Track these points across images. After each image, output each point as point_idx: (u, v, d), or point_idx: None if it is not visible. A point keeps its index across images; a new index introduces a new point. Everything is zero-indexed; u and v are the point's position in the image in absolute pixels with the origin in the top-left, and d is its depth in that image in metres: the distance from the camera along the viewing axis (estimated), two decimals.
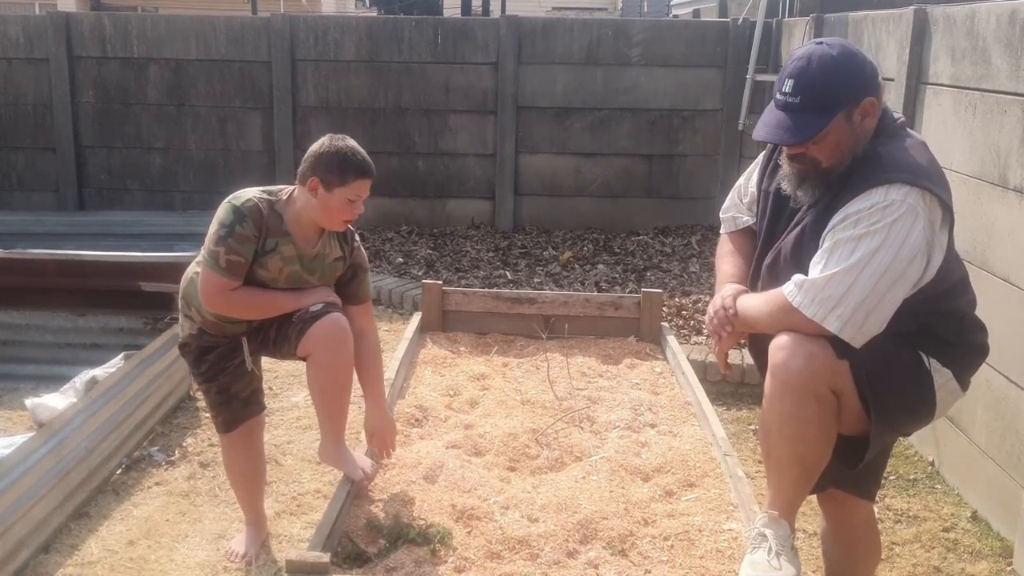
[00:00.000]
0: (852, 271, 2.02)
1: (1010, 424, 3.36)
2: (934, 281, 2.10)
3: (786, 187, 2.22)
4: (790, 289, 2.12)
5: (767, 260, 2.29)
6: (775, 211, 2.33)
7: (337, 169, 2.67)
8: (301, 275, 2.80)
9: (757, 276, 2.36)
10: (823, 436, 2.11)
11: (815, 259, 2.10)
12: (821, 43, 2.12)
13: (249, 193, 2.75)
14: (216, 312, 2.80)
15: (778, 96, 2.13)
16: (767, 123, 2.14)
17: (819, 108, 2.07)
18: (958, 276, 2.22)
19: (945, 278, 2.14)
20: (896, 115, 2.22)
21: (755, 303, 2.25)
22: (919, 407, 2.20)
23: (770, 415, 2.13)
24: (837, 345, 2.07)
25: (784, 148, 2.19)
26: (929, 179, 2.06)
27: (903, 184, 2.03)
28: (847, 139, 2.10)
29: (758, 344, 2.35)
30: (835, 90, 2.07)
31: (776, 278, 2.24)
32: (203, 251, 2.77)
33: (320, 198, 2.69)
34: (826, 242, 2.09)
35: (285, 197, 2.78)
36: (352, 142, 2.74)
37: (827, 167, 2.13)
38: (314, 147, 2.71)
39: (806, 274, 2.12)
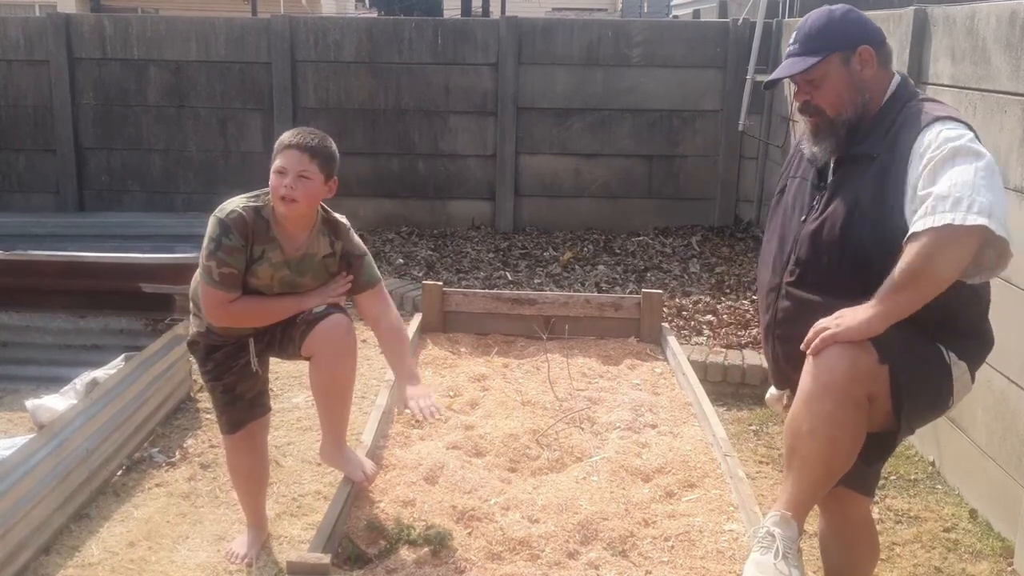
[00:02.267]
0: (965, 169, 2.01)
1: (1011, 424, 3.36)
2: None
3: (806, 150, 2.32)
4: (919, 224, 1.99)
5: (811, 227, 2.26)
6: (798, 195, 2.38)
7: (275, 147, 2.76)
8: (292, 279, 2.81)
9: (784, 255, 2.34)
10: (853, 441, 2.11)
11: (922, 184, 2.04)
12: (828, 6, 2.30)
13: (234, 204, 2.77)
14: (221, 325, 2.83)
15: (786, 50, 2.32)
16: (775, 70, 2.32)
17: (812, 50, 2.23)
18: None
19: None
20: (919, 91, 2.31)
21: (900, 272, 2.03)
22: (939, 402, 2.23)
23: (804, 415, 2.11)
24: (880, 350, 2.07)
25: (798, 116, 2.33)
26: (969, 126, 2.12)
27: (954, 122, 2.10)
28: (847, 86, 2.22)
29: (783, 350, 2.34)
30: (828, 34, 2.23)
31: (818, 245, 2.22)
32: (197, 272, 2.80)
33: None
34: (923, 174, 2.06)
35: (272, 202, 2.79)
36: (305, 128, 2.82)
37: (832, 117, 2.24)
38: None
39: (864, 233, 2.12)
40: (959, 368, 2.20)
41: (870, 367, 2.06)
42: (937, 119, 2.11)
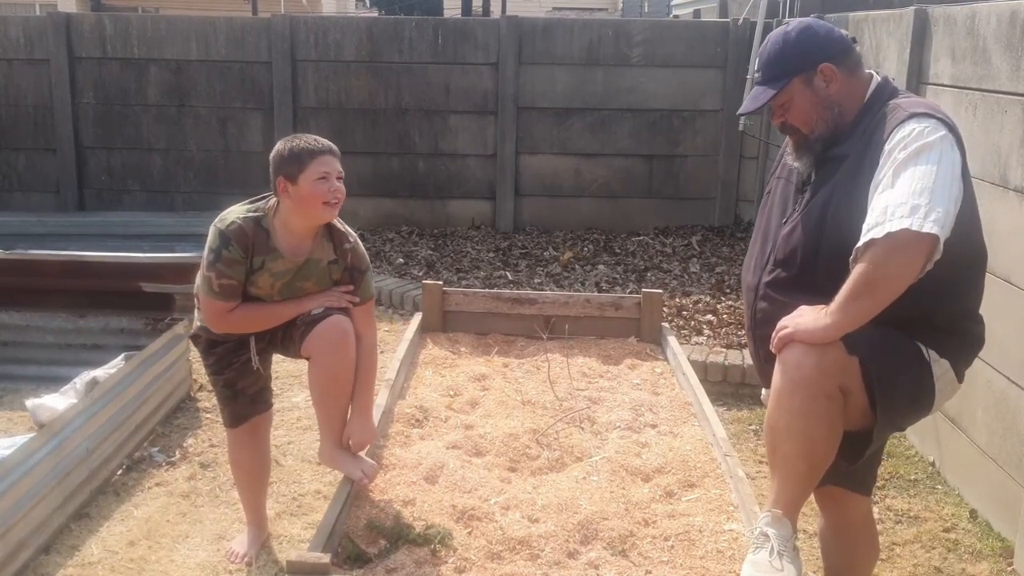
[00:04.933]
0: (927, 172, 2.01)
1: (1011, 424, 3.36)
2: (952, 240, 2.05)
3: (791, 162, 2.35)
4: (874, 231, 1.99)
5: (787, 228, 2.29)
6: (782, 197, 2.39)
7: (292, 159, 2.71)
8: (295, 284, 2.82)
9: (765, 255, 2.35)
10: (830, 434, 2.11)
11: (883, 185, 2.05)
12: (785, 24, 2.32)
13: (234, 214, 2.77)
14: (221, 332, 2.85)
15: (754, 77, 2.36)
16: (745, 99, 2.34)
17: (773, 77, 2.27)
18: (976, 253, 2.21)
19: (966, 243, 2.12)
20: (901, 89, 2.31)
21: (855, 281, 2.03)
22: (921, 399, 2.21)
23: (778, 412, 2.12)
24: (848, 342, 2.07)
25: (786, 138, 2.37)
26: (949, 121, 2.11)
27: (928, 118, 2.09)
28: (815, 105, 2.25)
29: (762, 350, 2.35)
30: (786, 60, 2.26)
31: (793, 245, 2.24)
32: (199, 276, 2.80)
33: (293, 194, 2.72)
34: (885, 170, 2.07)
35: (272, 210, 2.79)
36: (305, 135, 2.79)
37: (807, 133, 2.28)
38: (271, 154, 2.77)
39: (837, 232, 2.12)
40: (940, 366, 2.18)
41: (838, 359, 2.06)
42: (913, 115, 2.10)
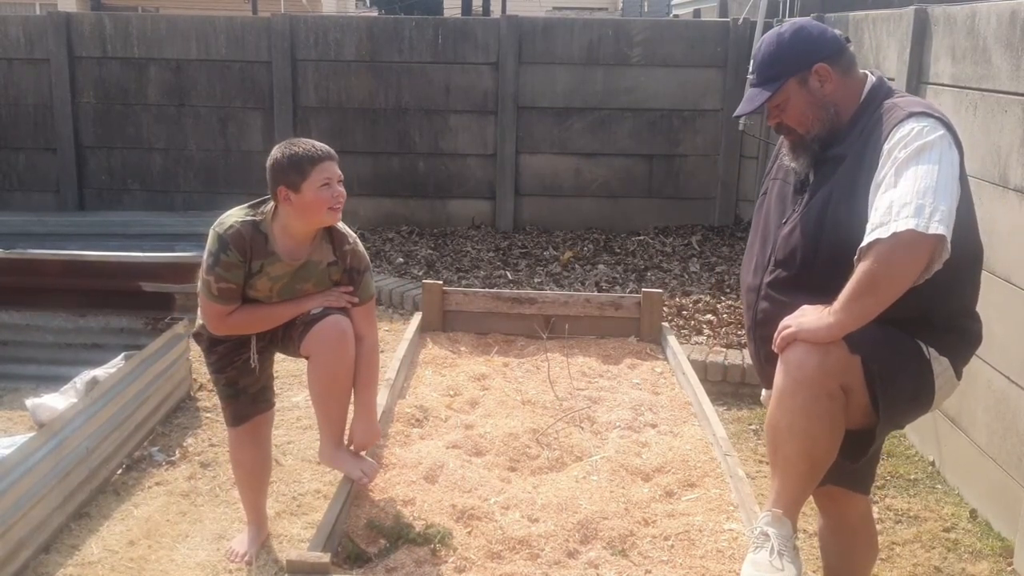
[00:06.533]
0: (929, 171, 2.01)
1: (1011, 424, 3.36)
2: (951, 239, 2.04)
3: (788, 163, 2.35)
4: (879, 231, 1.99)
5: (787, 228, 2.29)
6: (780, 198, 2.39)
7: (292, 168, 2.70)
8: (293, 286, 2.82)
9: (766, 256, 2.35)
10: (832, 433, 2.11)
11: (884, 185, 2.05)
12: (779, 25, 2.33)
13: (232, 218, 2.77)
14: (222, 334, 2.86)
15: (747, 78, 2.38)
16: (742, 101, 2.36)
17: (768, 79, 2.27)
18: (972, 251, 2.22)
19: (963, 242, 2.11)
20: (896, 89, 2.31)
21: (859, 280, 2.02)
22: (921, 397, 2.21)
23: (780, 411, 2.12)
24: (850, 341, 2.07)
25: (780, 137, 2.38)
26: (946, 120, 2.11)
27: (927, 117, 2.10)
28: (810, 105, 2.25)
29: (762, 352, 2.35)
30: (779, 61, 2.26)
31: (793, 245, 2.25)
32: (199, 278, 2.81)
33: (295, 202, 2.71)
34: (887, 170, 2.07)
35: (270, 214, 2.79)
36: (301, 140, 2.78)
37: (803, 134, 2.28)
38: (268, 162, 2.75)
39: (837, 232, 2.12)
40: (940, 364, 2.19)
41: (841, 358, 2.06)
42: (911, 115, 2.10)
